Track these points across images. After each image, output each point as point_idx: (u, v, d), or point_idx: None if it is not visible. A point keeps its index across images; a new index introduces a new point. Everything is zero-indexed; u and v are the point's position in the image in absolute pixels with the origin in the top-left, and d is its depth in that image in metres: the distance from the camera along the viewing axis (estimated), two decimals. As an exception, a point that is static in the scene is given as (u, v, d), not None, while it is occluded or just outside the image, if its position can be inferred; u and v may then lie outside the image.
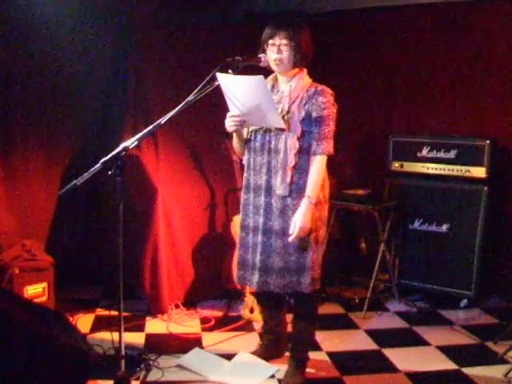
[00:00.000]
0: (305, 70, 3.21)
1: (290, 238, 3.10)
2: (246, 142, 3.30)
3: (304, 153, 3.12)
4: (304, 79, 3.19)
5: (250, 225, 3.27)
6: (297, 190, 3.13)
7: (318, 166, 3.10)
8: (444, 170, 4.66)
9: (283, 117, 3.10)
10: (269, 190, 3.18)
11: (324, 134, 3.10)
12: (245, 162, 3.32)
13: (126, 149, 2.89)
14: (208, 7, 4.73)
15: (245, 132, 3.29)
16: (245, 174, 3.32)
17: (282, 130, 3.11)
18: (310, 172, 3.11)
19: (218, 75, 2.98)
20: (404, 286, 4.81)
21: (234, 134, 3.30)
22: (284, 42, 3.08)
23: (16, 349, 2.76)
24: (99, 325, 4.06)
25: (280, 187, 3.12)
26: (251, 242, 3.27)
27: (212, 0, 4.81)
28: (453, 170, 4.62)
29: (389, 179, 4.89)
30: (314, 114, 3.10)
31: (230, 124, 3.16)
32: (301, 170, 3.13)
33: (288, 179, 3.11)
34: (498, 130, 4.74)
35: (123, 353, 3.03)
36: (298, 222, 3.07)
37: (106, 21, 4.49)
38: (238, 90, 3.04)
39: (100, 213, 4.73)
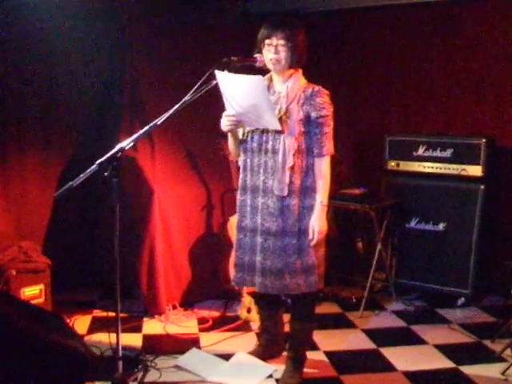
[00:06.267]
0: (300, 71, 3.22)
1: (312, 243, 3.15)
2: (241, 143, 3.29)
3: (302, 153, 3.14)
4: (300, 79, 3.19)
5: (248, 226, 3.26)
6: (295, 190, 3.14)
7: (324, 168, 3.16)
8: (440, 168, 4.67)
9: (281, 117, 3.10)
10: (266, 191, 3.17)
11: (326, 135, 3.14)
12: (241, 162, 3.32)
13: (121, 150, 2.88)
14: (204, 7, 4.73)
15: (240, 133, 3.29)
16: (241, 175, 3.31)
17: (279, 131, 3.11)
18: (318, 175, 3.15)
19: (217, 73, 2.98)
20: (401, 285, 4.82)
21: (229, 134, 3.29)
22: (281, 42, 3.08)
23: (13, 351, 2.75)
24: (96, 326, 4.06)
25: (278, 188, 3.12)
26: (250, 243, 3.26)
27: (208, 0, 4.80)
28: (449, 169, 4.63)
29: (385, 178, 4.89)
30: (314, 115, 3.11)
31: (225, 123, 3.16)
32: (299, 170, 3.14)
33: (286, 179, 3.12)
34: (494, 129, 4.75)
35: (121, 354, 3.03)
36: (316, 226, 3.14)
37: (102, 21, 4.48)
38: (235, 89, 3.03)
39: (96, 214, 4.72)
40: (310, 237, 3.15)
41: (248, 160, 3.25)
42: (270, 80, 3.26)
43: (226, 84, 3.02)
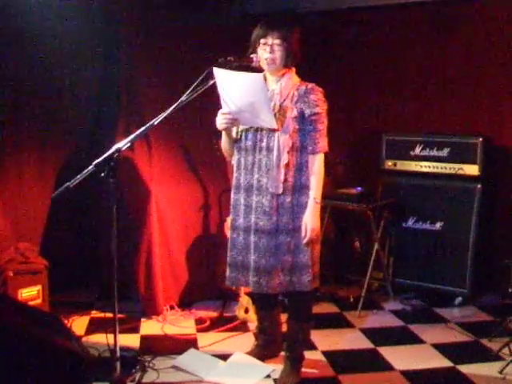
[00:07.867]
0: (293, 69, 3.22)
1: (304, 241, 3.14)
2: (235, 142, 3.29)
3: (296, 150, 3.14)
4: (293, 78, 3.20)
5: (242, 225, 3.25)
6: (290, 187, 3.14)
7: (318, 165, 3.14)
8: (437, 168, 4.68)
9: (274, 115, 3.09)
10: (260, 189, 3.17)
11: (320, 132, 3.13)
12: (234, 161, 3.31)
13: (118, 150, 2.88)
14: (204, 8, 4.73)
15: (234, 132, 3.28)
16: (235, 174, 3.30)
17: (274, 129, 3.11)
18: (312, 172, 3.14)
19: (215, 70, 2.96)
20: (398, 285, 4.82)
21: (223, 133, 3.28)
22: (277, 42, 3.09)
23: (11, 352, 2.75)
24: (94, 327, 4.05)
25: (273, 186, 3.12)
26: (243, 242, 3.25)
27: (208, 1, 4.80)
28: (446, 168, 4.64)
29: (382, 178, 4.90)
30: (308, 112, 3.11)
31: (221, 121, 3.16)
32: (293, 167, 3.14)
33: (281, 177, 3.11)
34: (491, 128, 4.77)
35: (118, 355, 3.03)
36: (309, 224, 3.12)
37: (100, 22, 4.48)
38: (233, 87, 3.02)
39: (93, 215, 4.71)
40: (303, 234, 3.14)
41: (242, 159, 3.24)
42: (264, 79, 3.25)
43: (224, 81, 3.01)
